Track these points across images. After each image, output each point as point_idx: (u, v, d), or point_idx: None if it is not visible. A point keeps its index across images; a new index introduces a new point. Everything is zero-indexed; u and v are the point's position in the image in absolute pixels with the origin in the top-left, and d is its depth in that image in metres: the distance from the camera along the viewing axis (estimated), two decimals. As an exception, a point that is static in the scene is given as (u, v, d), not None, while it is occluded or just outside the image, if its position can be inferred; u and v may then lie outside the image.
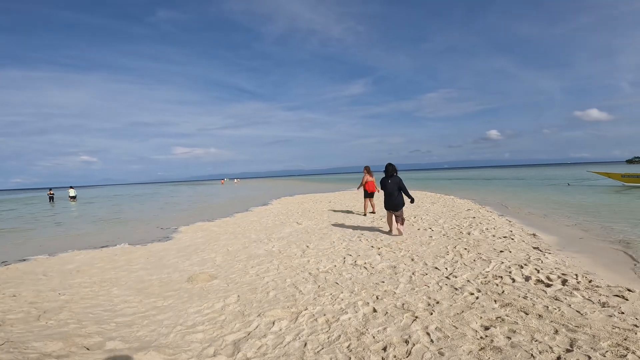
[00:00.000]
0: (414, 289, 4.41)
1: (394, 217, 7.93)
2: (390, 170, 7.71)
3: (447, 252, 6.17)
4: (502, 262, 5.30)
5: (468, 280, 4.61)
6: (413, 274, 5.02)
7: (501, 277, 4.68)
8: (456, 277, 4.75)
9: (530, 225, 9.00)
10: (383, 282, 4.75)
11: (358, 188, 12.12)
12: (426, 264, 5.46)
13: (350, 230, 9.29)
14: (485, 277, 4.69)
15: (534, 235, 7.46)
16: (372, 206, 11.73)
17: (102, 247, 8.86)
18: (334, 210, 14.08)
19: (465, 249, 6.31)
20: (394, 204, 7.67)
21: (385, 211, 10.36)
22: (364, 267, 5.55)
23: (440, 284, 4.53)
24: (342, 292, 4.43)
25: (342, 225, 10.28)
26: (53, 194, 34.28)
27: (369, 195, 11.39)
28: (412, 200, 8.22)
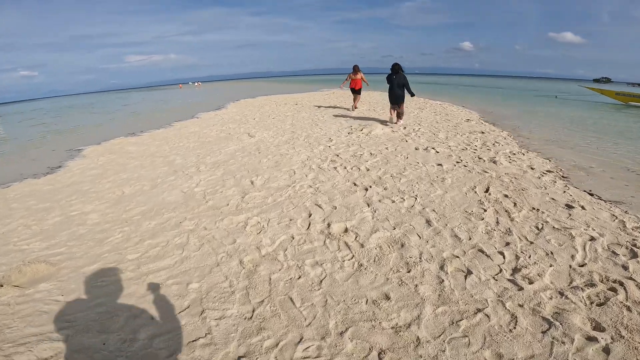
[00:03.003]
0: (458, 325, 1.99)
1: (395, 111, 8.48)
2: (396, 68, 8.09)
3: (482, 203, 3.71)
4: (592, 238, 2.92)
5: (562, 294, 2.22)
6: (442, 267, 2.57)
7: (620, 283, 2.32)
8: (532, 283, 2.35)
9: (561, 148, 6.70)
10: (388, 296, 2.28)
11: (342, 86, 12.29)
12: (457, 237, 2.99)
13: (322, 147, 6.60)
14: (591, 284, 2.31)
15: (589, 170, 5.15)
16: (356, 102, 11.73)
17: None
18: (300, 114, 11.13)
19: (507, 196, 3.88)
20: (396, 97, 8.19)
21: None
22: (345, 241, 3.02)
23: (508, 306, 2.13)
24: (302, 336, 1.95)
25: (309, 137, 7.54)
26: None
27: (354, 91, 11.45)
28: (413, 94, 8.56)
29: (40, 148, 9.04)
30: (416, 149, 6.21)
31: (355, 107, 11.77)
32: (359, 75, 11.02)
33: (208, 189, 4.56)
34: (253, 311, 2.17)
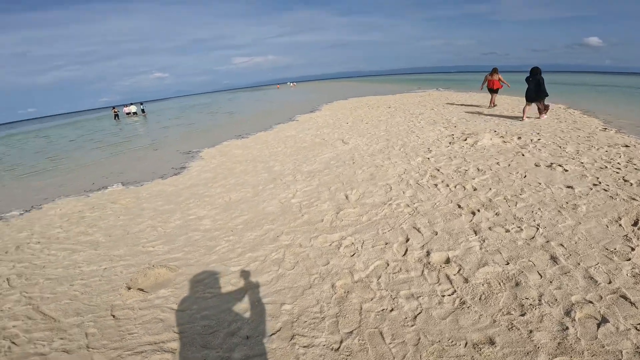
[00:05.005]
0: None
1: (532, 106, 9.51)
2: (534, 71, 9.22)
3: (628, 239, 2.95)
4: None
5: None
6: (568, 313, 2.06)
7: None
8: None
9: None
10: (493, 341, 1.93)
11: (481, 88, 12.94)
12: (593, 279, 2.40)
13: (419, 158, 6.23)
14: None
15: None
16: (493, 100, 12.35)
17: (91, 190, 6.73)
18: (394, 119, 10.87)
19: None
20: (531, 97, 9.27)
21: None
22: (446, 273, 2.71)
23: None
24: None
25: (405, 146, 7.24)
26: (117, 111, 34.33)
27: (491, 91, 12.25)
28: (546, 95, 9.24)
29: (168, 149, 11.00)
30: (536, 165, 5.36)
31: (494, 105, 12.39)
32: (495, 77, 11.91)
33: (304, 200, 4.72)
34: (341, 342, 2.09)
